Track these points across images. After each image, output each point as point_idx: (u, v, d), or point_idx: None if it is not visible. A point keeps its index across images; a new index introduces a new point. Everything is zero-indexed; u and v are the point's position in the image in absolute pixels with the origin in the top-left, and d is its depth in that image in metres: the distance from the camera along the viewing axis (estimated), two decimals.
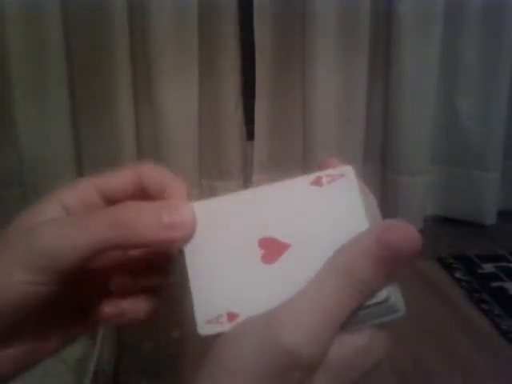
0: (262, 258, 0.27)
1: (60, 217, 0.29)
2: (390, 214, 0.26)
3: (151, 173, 0.30)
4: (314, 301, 0.24)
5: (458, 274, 0.99)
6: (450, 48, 1.12)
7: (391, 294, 0.25)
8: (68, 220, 0.28)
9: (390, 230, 0.25)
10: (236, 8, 1.05)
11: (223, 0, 1.03)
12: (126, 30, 1.01)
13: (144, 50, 1.03)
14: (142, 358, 0.77)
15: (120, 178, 0.30)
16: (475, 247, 1.10)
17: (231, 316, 0.26)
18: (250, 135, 1.15)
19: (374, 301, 0.25)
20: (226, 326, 0.26)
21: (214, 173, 1.14)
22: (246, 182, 1.15)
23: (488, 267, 1.02)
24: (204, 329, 0.26)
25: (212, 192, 1.14)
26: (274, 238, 0.27)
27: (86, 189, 0.30)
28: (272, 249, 0.27)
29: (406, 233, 0.24)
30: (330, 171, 0.28)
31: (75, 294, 0.31)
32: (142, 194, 0.30)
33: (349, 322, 0.25)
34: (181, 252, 0.28)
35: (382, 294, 0.25)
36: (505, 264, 1.03)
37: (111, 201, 0.30)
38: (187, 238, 0.28)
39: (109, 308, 0.30)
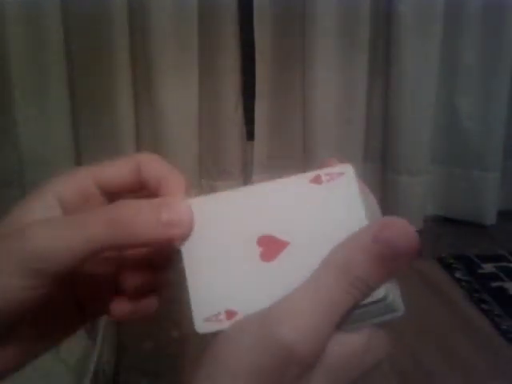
0: (260, 256, 0.27)
1: (54, 216, 0.28)
2: (390, 214, 0.26)
3: (150, 163, 0.30)
4: (310, 297, 0.24)
5: (458, 274, 0.99)
6: (450, 48, 1.12)
7: (389, 292, 0.25)
8: (62, 220, 0.27)
9: (388, 226, 0.24)
10: (236, 8, 1.05)
11: (223, 0, 1.03)
12: (126, 30, 1.01)
13: (144, 50, 1.03)
14: (142, 358, 0.77)
15: (118, 168, 0.30)
16: (475, 247, 1.10)
17: (229, 314, 0.26)
18: (250, 135, 1.15)
19: (371, 299, 0.25)
20: (224, 324, 0.26)
21: (214, 173, 1.14)
22: (246, 182, 1.15)
23: (488, 267, 1.02)
24: (202, 327, 0.26)
25: (212, 192, 1.13)
26: (273, 236, 0.27)
27: (83, 178, 0.30)
28: (271, 246, 0.27)
29: (403, 230, 0.24)
30: (330, 169, 0.28)
31: (72, 291, 0.31)
32: (140, 184, 0.30)
33: (346, 319, 0.25)
34: (178, 250, 0.28)
35: (380, 293, 0.25)
36: (505, 264, 1.03)
37: (108, 191, 0.30)
38: (185, 236, 0.28)
39: (117, 306, 0.30)
